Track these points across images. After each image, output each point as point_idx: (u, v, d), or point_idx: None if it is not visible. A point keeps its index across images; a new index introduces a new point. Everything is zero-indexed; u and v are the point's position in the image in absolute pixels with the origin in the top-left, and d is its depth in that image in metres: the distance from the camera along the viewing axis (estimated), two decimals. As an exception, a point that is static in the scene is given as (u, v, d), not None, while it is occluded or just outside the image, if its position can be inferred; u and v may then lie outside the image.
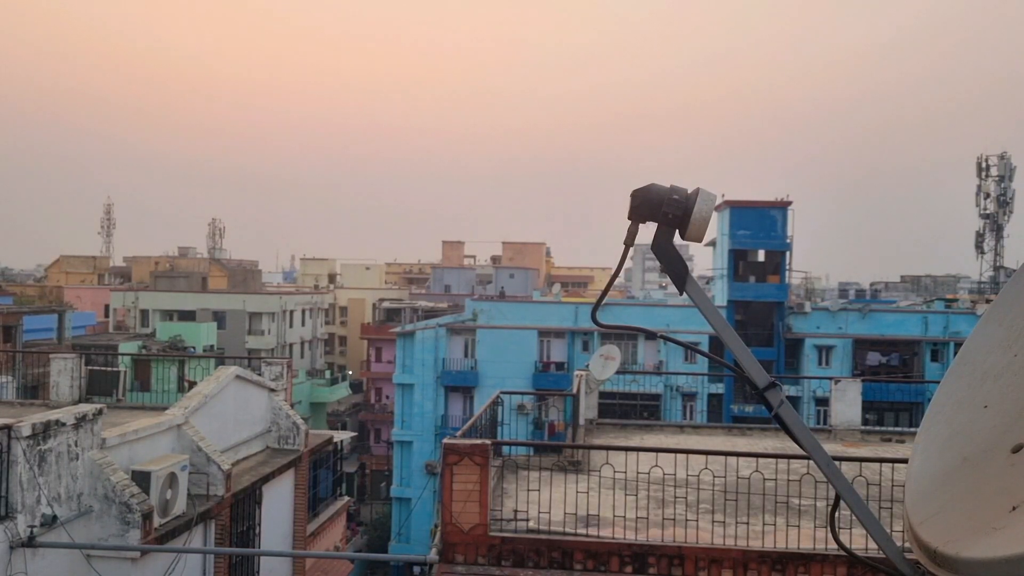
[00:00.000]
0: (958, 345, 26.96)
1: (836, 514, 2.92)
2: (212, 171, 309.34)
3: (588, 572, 8.62)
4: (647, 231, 2.50)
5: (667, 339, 3.03)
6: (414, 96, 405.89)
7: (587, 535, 8.85)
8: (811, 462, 2.75)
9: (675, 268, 2.50)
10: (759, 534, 8.88)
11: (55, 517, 9.43)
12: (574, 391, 14.78)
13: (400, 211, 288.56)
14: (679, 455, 9.35)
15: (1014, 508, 2.01)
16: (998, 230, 59.23)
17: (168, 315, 56.66)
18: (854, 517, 2.65)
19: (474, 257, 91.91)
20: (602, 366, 14.37)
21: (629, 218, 2.49)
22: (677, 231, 2.48)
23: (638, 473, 8.92)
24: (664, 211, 2.44)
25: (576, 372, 15.73)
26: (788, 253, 44.51)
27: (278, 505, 15.86)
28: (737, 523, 8.95)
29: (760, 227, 44.20)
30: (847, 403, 15.88)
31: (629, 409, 39.07)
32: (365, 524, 51.70)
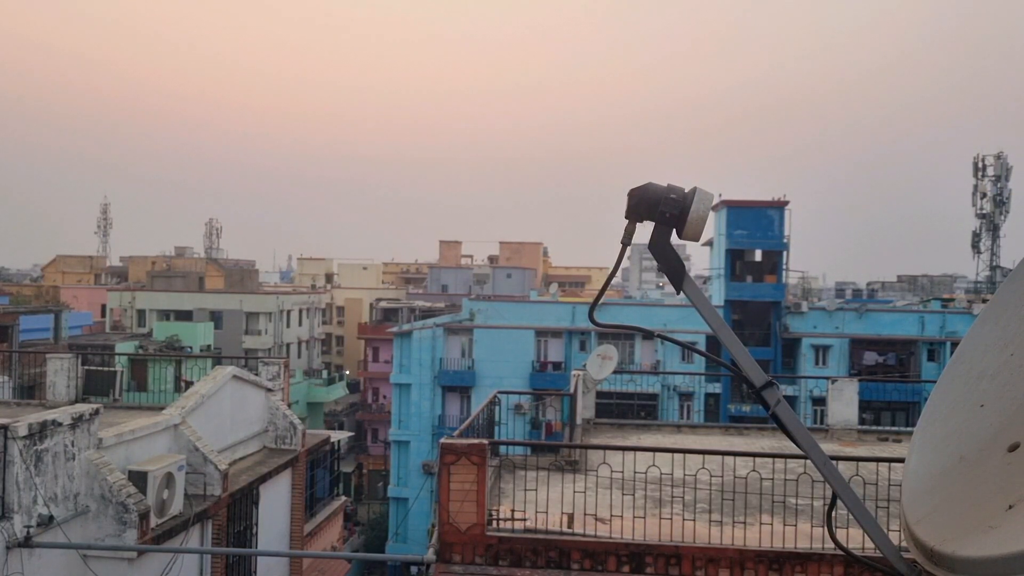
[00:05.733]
0: (954, 344, 27.05)
1: (833, 513, 2.93)
2: (209, 171, 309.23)
3: (585, 572, 8.62)
4: (644, 230, 2.51)
5: (664, 338, 3.03)
6: (411, 95, 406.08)
7: (584, 535, 8.85)
8: (808, 461, 2.76)
9: (672, 267, 2.50)
10: (756, 533, 8.89)
11: (52, 517, 9.41)
12: (571, 391, 14.78)
13: (397, 211, 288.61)
14: (676, 455, 9.35)
15: (1010, 507, 2.01)
16: (994, 230, 59.34)
17: (165, 315, 56.59)
18: (851, 516, 2.66)
19: (471, 257, 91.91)
20: (599, 366, 14.38)
21: (626, 217, 2.50)
22: (674, 230, 2.48)
23: (635, 473, 8.92)
24: (661, 210, 2.44)
25: (573, 372, 15.73)
26: (785, 253, 44.58)
27: (275, 505, 15.85)
28: (734, 522, 8.96)
29: (757, 227, 44.26)
30: (844, 402, 15.90)
31: (626, 409, 39.08)
32: (362, 524, 51.67)
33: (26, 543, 8.92)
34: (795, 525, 8.64)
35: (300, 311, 63.44)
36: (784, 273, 44.97)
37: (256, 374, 17.01)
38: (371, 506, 55.05)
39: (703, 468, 9.05)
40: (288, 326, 60.90)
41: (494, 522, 9.00)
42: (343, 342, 71.94)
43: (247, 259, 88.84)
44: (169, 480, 11.23)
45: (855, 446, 14.89)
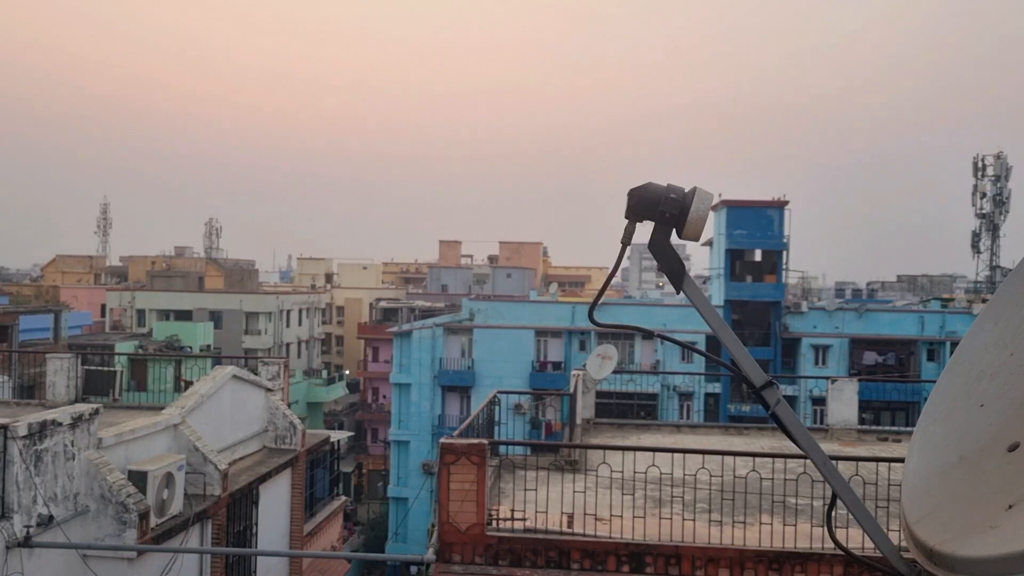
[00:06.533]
0: (954, 344, 27.05)
1: (833, 513, 2.93)
2: (209, 171, 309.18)
3: (585, 571, 8.62)
4: (644, 230, 2.50)
5: (664, 338, 3.03)
6: (412, 95, 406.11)
7: (584, 534, 8.85)
8: (808, 461, 2.76)
9: (672, 267, 2.50)
10: (756, 533, 8.89)
11: (51, 517, 9.41)
12: (571, 390, 14.78)
13: (397, 211, 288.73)
14: (676, 454, 9.35)
15: (1010, 506, 2.01)
16: (994, 229, 59.29)
17: (164, 315, 56.57)
18: (851, 516, 2.66)
19: (471, 256, 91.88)
20: (599, 365, 14.36)
21: (626, 217, 2.49)
22: (674, 230, 2.48)
23: (635, 472, 8.92)
24: (661, 210, 2.44)
25: (573, 371, 15.73)
26: (785, 253, 44.57)
27: (275, 505, 15.85)
28: (734, 522, 8.96)
29: (757, 227, 44.25)
30: (844, 402, 15.90)
31: (626, 409, 39.09)
32: (362, 524, 51.67)
33: (26, 543, 8.92)
34: (795, 525, 8.64)
35: (300, 311, 63.41)
36: (784, 273, 44.96)
37: (256, 374, 17.01)
38: (371, 506, 55.03)
39: (703, 468, 9.05)
40: (288, 326, 60.86)
41: (494, 522, 9.00)
42: (343, 342, 71.89)
43: (247, 259, 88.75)
44: (169, 480, 11.23)
45: (855, 446, 14.89)
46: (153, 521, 10.75)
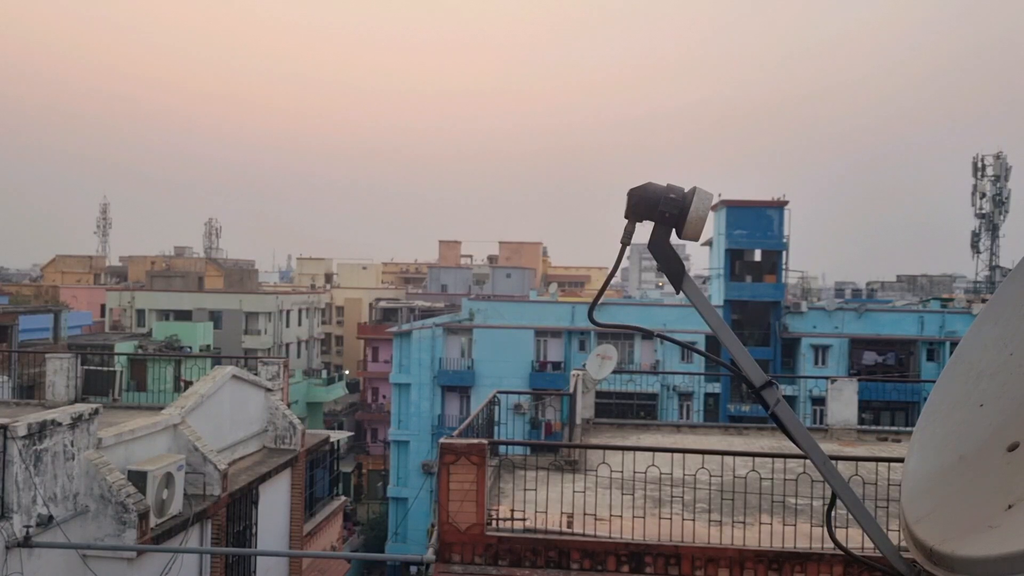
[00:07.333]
0: (954, 344, 27.06)
1: (832, 513, 2.93)
2: (209, 171, 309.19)
3: (585, 571, 8.61)
4: (644, 230, 2.50)
5: (664, 338, 3.03)
6: (412, 95, 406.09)
7: (584, 534, 8.85)
8: (808, 461, 2.76)
9: (672, 267, 2.50)
10: (756, 533, 8.89)
11: (51, 517, 9.40)
12: (571, 390, 14.78)
13: (397, 211, 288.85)
14: (676, 454, 9.34)
15: (1010, 506, 2.01)
16: (994, 229, 59.35)
17: (164, 315, 56.57)
18: (850, 516, 2.66)
19: (471, 257, 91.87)
20: (599, 365, 14.36)
21: (626, 217, 2.50)
22: (674, 230, 2.48)
23: (635, 472, 8.92)
24: (661, 210, 2.44)
25: (573, 371, 15.73)
26: (784, 253, 44.58)
27: (274, 505, 15.84)
28: (734, 522, 8.96)
29: (756, 227, 44.26)
30: (843, 402, 15.90)
31: (626, 409, 39.10)
32: (362, 524, 51.67)
33: (25, 543, 8.91)
34: (795, 525, 8.64)
35: (299, 311, 63.42)
36: (783, 273, 44.98)
37: (256, 374, 17.00)
38: (371, 506, 55.04)
39: (702, 468, 9.05)
40: (288, 326, 60.87)
41: (493, 522, 9.00)
42: (343, 342, 71.90)
43: (246, 259, 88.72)
44: (168, 480, 11.22)
45: (855, 446, 14.89)
46: (153, 521, 10.74)
